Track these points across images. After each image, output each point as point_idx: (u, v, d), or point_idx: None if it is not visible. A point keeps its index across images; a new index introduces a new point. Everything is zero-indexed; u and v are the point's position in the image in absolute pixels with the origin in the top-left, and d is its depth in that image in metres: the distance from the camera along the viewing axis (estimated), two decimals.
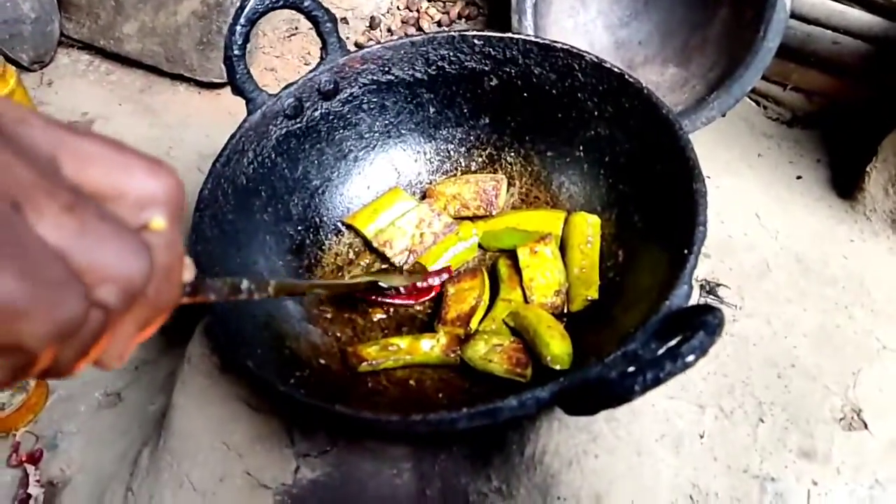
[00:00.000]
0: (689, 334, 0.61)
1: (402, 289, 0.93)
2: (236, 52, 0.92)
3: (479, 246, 1.02)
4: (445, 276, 0.95)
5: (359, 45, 1.61)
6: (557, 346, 0.80)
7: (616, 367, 0.66)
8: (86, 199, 0.30)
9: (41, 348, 0.28)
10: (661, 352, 0.61)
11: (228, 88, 1.58)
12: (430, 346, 0.88)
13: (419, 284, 0.94)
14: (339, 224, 1.04)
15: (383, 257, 1.01)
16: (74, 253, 0.28)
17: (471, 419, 0.66)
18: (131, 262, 0.30)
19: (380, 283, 0.89)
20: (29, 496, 1.00)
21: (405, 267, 1.00)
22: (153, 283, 0.32)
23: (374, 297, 0.93)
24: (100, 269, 0.29)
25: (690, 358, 0.60)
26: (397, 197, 1.05)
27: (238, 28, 0.90)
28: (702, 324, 0.62)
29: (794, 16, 1.26)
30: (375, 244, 1.01)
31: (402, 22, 1.66)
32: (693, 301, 0.97)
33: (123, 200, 0.32)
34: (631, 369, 0.61)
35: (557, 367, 0.79)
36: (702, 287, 1.07)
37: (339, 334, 0.92)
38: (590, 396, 0.64)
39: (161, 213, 0.33)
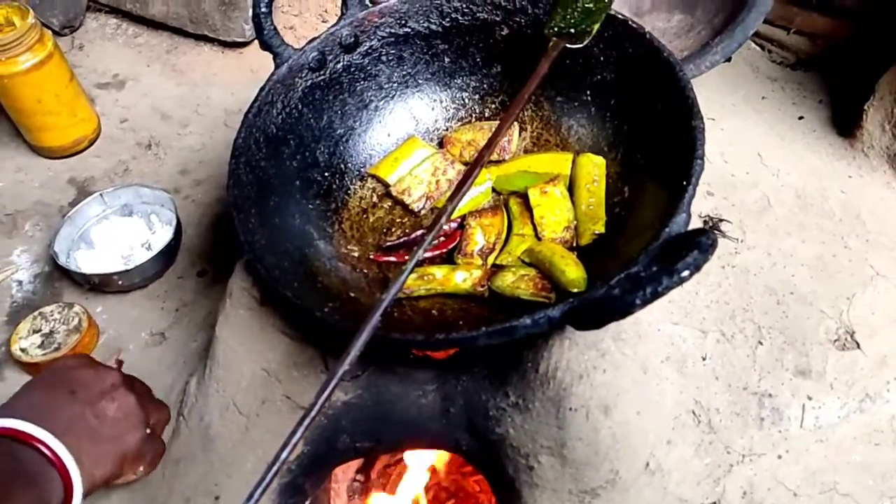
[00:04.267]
0: (685, 254, 0.67)
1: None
2: (263, 9, 0.98)
3: (493, 190, 1.08)
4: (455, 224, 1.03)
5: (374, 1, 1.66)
6: (573, 271, 0.87)
7: (620, 287, 0.72)
8: None
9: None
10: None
11: (250, 47, 1.66)
12: (464, 279, 0.94)
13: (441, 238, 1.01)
14: (362, 170, 1.10)
15: (403, 204, 1.07)
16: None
17: (489, 336, 0.73)
18: None
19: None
20: None
21: (422, 212, 1.07)
22: None
23: (402, 253, 1.00)
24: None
25: (685, 273, 0.67)
26: (415, 146, 1.11)
27: None
28: (696, 244, 0.68)
29: None
30: (394, 192, 1.07)
31: None
32: None
33: None
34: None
35: (575, 290, 0.85)
36: (705, 223, 1.13)
37: (366, 270, 0.99)
38: (596, 313, 0.71)
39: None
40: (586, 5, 1.00)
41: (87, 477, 0.70)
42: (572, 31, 0.99)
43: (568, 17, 1.00)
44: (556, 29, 1.00)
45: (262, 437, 0.93)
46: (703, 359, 0.99)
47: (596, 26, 0.97)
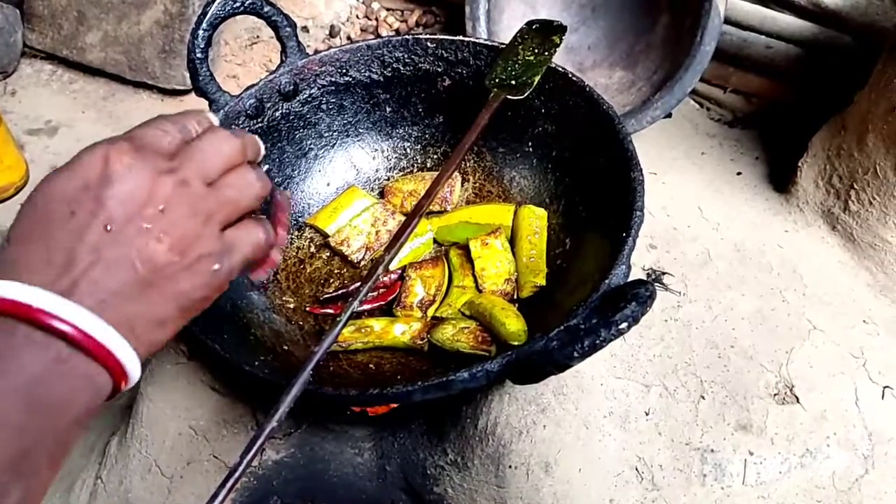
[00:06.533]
0: (623, 305, 0.66)
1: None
2: (199, 55, 0.96)
3: (434, 241, 1.06)
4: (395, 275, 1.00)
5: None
6: (513, 323, 0.85)
7: (559, 339, 0.70)
8: None
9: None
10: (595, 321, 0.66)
11: (191, 95, 1.63)
12: (402, 332, 0.92)
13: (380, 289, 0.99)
14: (300, 220, 1.08)
15: (342, 255, 1.05)
16: None
17: (425, 392, 0.70)
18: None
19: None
20: None
21: (362, 263, 1.04)
22: None
23: (340, 305, 0.97)
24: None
25: (623, 325, 0.65)
26: (355, 196, 1.09)
27: (200, 32, 0.94)
28: (634, 295, 0.67)
29: (730, 22, 1.34)
30: (333, 243, 1.05)
31: (361, 30, 1.71)
32: None
33: None
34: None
35: (515, 343, 0.83)
36: (648, 276, 1.13)
37: (301, 323, 0.96)
38: (534, 366, 0.69)
39: None
40: (527, 58, 1.00)
41: (142, 345, 0.48)
42: (513, 83, 0.99)
43: (509, 69, 1.00)
44: (497, 80, 1.00)
45: (185, 500, 0.88)
46: (647, 414, 0.97)
47: (536, 79, 0.98)
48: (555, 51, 1.01)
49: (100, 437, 1.04)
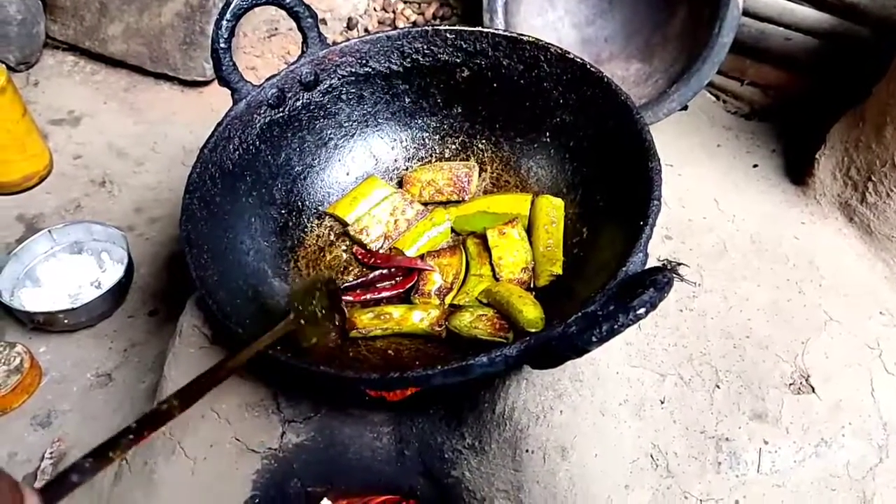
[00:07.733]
0: (641, 292, 0.67)
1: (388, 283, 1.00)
2: (222, 45, 0.97)
3: (452, 230, 1.08)
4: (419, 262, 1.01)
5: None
6: (531, 311, 0.86)
7: (577, 325, 0.71)
8: None
9: None
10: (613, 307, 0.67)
11: (211, 86, 1.65)
12: (421, 318, 0.93)
13: (398, 278, 1.00)
14: (320, 209, 1.09)
15: (361, 243, 1.06)
16: None
17: (445, 375, 0.71)
18: None
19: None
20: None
21: (381, 251, 1.05)
22: None
23: (360, 293, 0.98)
24: None
25: (641, 311, 0.66)
26: (374, 185, 1.10)
27: (224, 22, 0.96)
28: (652, 282, 0.68)
29: (748, 14, 1.34)
30: (352, 232, 1.06)
31: (379, 23, 1.72)
32: None
33: None
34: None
35: (532, 330, 0.84)
36: (663, 266, 1.13)
37: None
38: (553, 351, 0.70)
39: None
40: (317, 311, 0.89)
41: None
42: (302, 320, 0.86)
43: (306, 304, 0.88)
44: (296, 308, 0.87)
45: (208, 481, 0.90)
46: (662, 402, 0.98)
47: (314, 340, 0.87)
48: (332, 330, 0.93)
49: (124, 422, 1.06)
